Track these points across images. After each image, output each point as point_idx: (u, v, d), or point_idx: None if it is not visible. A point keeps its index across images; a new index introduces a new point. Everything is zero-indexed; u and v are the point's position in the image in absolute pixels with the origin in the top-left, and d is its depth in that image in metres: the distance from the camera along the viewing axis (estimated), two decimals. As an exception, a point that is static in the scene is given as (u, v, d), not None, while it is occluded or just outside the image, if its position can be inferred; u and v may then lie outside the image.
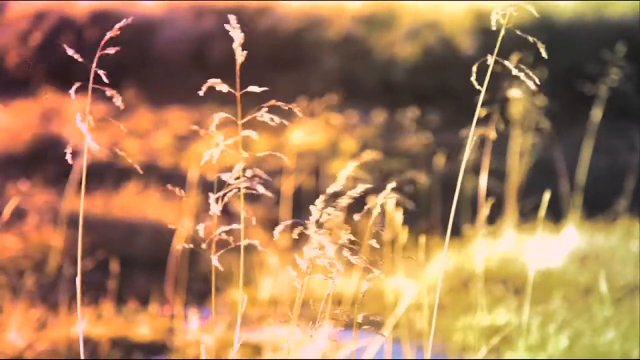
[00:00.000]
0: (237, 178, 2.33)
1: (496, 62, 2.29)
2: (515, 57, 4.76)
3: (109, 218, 7.08)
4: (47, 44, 11.22)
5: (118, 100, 2.26)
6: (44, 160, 8.10)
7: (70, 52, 2.26)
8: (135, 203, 7.47)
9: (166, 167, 8.78)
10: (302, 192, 7.74)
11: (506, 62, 2.30)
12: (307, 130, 9.27)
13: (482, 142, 6.28)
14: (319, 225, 2.25)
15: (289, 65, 11.49)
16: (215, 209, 2.33)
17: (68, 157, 2.22)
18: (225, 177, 2.33)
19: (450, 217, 2.32)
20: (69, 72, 9.62)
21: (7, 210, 5.18)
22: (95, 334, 5.06)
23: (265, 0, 12.15)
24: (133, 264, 6.27)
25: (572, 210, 7.06)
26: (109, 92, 2.25)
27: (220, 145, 2.29)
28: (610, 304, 4.97)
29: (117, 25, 2.26)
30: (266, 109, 2.27)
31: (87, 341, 5.00)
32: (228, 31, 2.27)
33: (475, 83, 2.27)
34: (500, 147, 6.60)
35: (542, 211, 4.16)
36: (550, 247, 6.18)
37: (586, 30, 11.28)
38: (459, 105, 8.68)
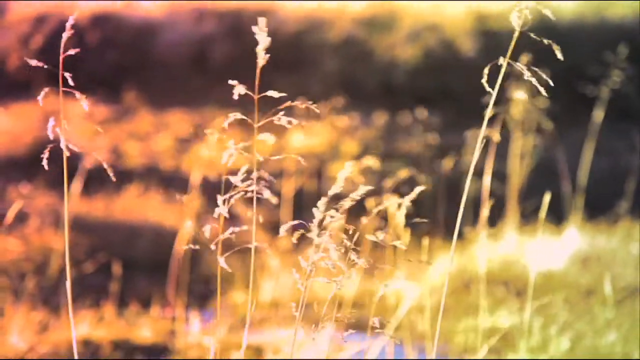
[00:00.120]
0: (244, 180, 2.33)
1: (507, 64, 2.29)
2: (523, 58, 4.77)
3: (111, 221, 7.08)
4: (48, 46, 11.22)
5: (85, 104, 2.27)
6: (45, 163, 8.06)
7: (33, 62, 2.27)
8: (136, 205, 7.47)
9: (167, 169, 8.78)
10: (303, 195, 7.74)
11: (518, 65, 2.29)
12: (308, 133, 9.27)
13: (484, 144, 6.28)
14: (322, 227, 2.25)
15: (289, 67, 11.49)
16: (223, 210, 2.32)
17: (44, 162, 2.23)
18: (233, 179, 2.33)
19: (457, 220, 2.32)
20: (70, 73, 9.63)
21: (11, 214, 5.18)
22: (97, 337, 5.06)
23: (266, 1, 12.15)
24: (135, 266, 6.28)
25: (573, 212, 7.06)
26: (77, 95, 2.25)
27: (231, 148, 2.29)
28: (611, 306, 4.97)
29: (68, 24, 2.27)
30: (283, 112, 2.27)
31: (89, 344, 5.00)
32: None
33: (486, 85, 2.26)
34: (502, 149, 6.60)
35: (543, 213, 4.15)
36: (551, 249, 6.18)
37: (587, 32, 11.28)
38: (460, 107, 8.68)
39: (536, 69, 2.31)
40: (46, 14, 11.84)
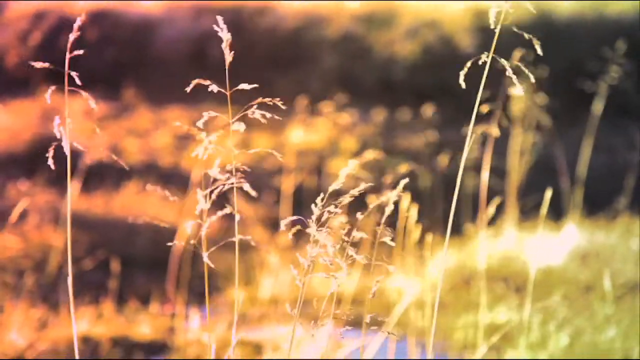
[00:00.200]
0: (227, 174, 2.34)
1: (495, 60, 2.29)
2: (517, 54, 4.76)
3: (110, 217, 7.08)
4: (47, 43, 11.22)
5: (93, 102, 2.27)
6: (45, 160, 8.07)
7: (38, 64, 2.28)
8: (135, 202, 7.47)
9: (166, 166, 8.77)
10: (303, 191, 7.74)
11: (502, 60, 2.29)
12: (308, 129, 9.27)
13: (483, 140, 6.28)
14: (321, 223, 2.25)
15: (288, 64, 11.49)
16: (204, 205, 2.34)
17: (50, 161, 2.24)
18: (212, 173, 2.35)
19: (450, 216, 2.32)
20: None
21: (15, 213, 5.18)
22: (96, 334, 5.06)
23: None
24: (134, 263, 6.28)
25: (572, 208, 7.06)
26: (84, 94, 2.26)
27: (205, 142, 2.30)
28: (611, 302, 4.97)
29: (76, 25, 2.28)
30: (256, 106, 2.29)
31: (88, 340, 5.00)
32: (227, 30, 2.28)
33: (462, 81, 2.27)
34: (501, 146, 6.60)
35: (544, 209, 4.15)
36: (550, 245, 6.18)
37: (586, 28, 11.28)
38: (459, 103, 8.68)
39: (521, 65, 2.31)
40: (45, 11, 11.83)
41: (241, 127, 2.30)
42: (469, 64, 2.27)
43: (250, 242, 2.41)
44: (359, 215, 2.27)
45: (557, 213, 6.95)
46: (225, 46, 2.27)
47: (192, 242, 2.41)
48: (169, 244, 2.61)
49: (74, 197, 6.33)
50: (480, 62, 2.28)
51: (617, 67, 6.79)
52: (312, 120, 9.59)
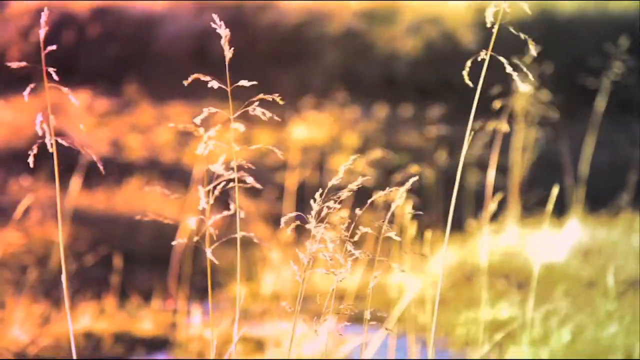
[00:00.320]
0: (229, 171, 2.34)
1: (497, 57, 2.29)
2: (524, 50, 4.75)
3: (112, 213, 7.08)
4: (48, 39, 11.20)
5: (74, 99, 2.27)
6: (46, 155, 8.08)
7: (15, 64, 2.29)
8: (137, 198, 7.47)
9: (168, 162, 8.78)
10: (306, 187, 7.74)
11: (501, 58, 2.29)
12: (310, 125, 9.26)
13: (488, 137, 6.27)
14: (321, 219, 2.25)
15: (291, 60, 11.48)
16: (205, 202, 2.34)
17: (30, 159, 2.24)
18: (213, 169, 2.35)
19: (450, 212, 2.32)
20: (71, 67, 9.62)
21: (20, 209, 5.18)
22: (98, 329, 5.07)
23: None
24: (136, 259, 6.28)
25: (574, 204, 7.05)
26: (65, 90, 2.26)
27: (204, 138, 2.31)
28: (613, 298, 4.97)
29: (43, 19, 2.29)
30: (257, 103, 2.29)
31: (90, 336, 5.00)
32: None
33: (467, 79, 2.27)
34: (504, 142, 6.60)
35: (550, 205, 4.15)
36: (553, 242, 6.18)
37: (588, 24, 11.27)
38: (461, 99, 8.67)
39: (519, 62, 2.31)
40: (47, 7, 11.81)
41: (240, 127, 2.31)
42: (469, 63, 2.27)
43: (253, 238, 2.41)
44: (357, 211, 2.27)
45: (560, 209, 6.95)
46: (224, 42, 2.27)
47: (195, 239, 2.41)
48: (173, 242, 2.60)
49: (75, 193, 6.33)
50: (484, 59, 2.28)
51: (620, 64, 6.78)
52: (315, 117, 9.58)
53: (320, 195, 2.26)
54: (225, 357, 2.53)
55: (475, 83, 2.31)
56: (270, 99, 2.28)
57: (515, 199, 6.93)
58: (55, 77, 2.25)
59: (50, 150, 2.29)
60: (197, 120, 2.28)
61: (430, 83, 10.89)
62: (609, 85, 6.87)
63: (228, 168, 2.38)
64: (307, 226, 2.25)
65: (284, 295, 5.70)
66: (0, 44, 11.51)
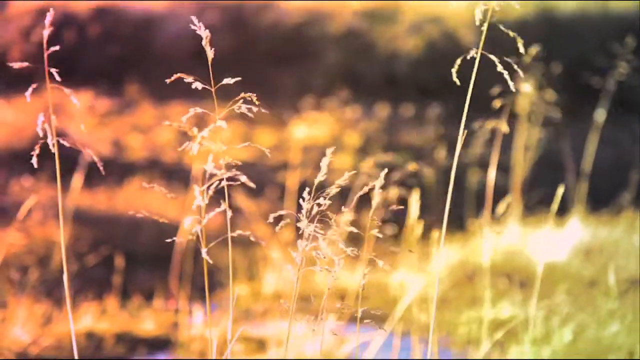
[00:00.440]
0: (223, 170, 2.35)
1: (502, 56, 2.29)
2: (532, 50, 4.74)
3: (113, 213, 7.08)
4: (50, 39, 11.20)
5: (76, 99, 2.28)
6: (47, 156, 8.08)
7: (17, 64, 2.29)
8: (139, 198, 7.47)
9: (169, 162, 8.78)
10: (307, 187, 7.74)
11: (492, 57, 2.30)
12: (311, 125, 9.26)
13: (490, 136, 6.27)
14: (312, 217, 2.26)
15: (291, 60, 11.48)
16: (201, 201, 2.35)
17: (34, 160, 2.24)
18: (207, 168, 2.36)
19: (445, 212, 2.32)
20: (72, 67, 9.62)
21: (23, 210, 5.18)
22: (100, 329, 5.07)
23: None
24: (137, 259, 6.28)
25: (576, 203, 7.05)
26: (67, 90, 2.26)
27: (198, 138, 2.32)
28: (614, 297, 4.97)
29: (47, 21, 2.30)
30: (241, 101, 2.31)
31: (92, 336, 5.00)
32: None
33: (454, 76, 2.28)
34: (506, 141, 6.59)
35: (555, 205, 4.14)
36: (554, 241, 6.17)
37: (591, 24, 11.26)
38: (463, 99, 8.67)
39: (509, 60, 2.32)
40: (49, 7, 11.82)
41: (223, 124, 2.33)
42: (458, 61, 2.28)
43: (250, 237, 2.41)
44: (344, 209, 2.28)
45: (561, 208, 6.94)
46: (205, 43, 2.31)
47: (190, 237, 2.41)
48: (170, 240, 2.61)
49: (76, 193, 6.33)
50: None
51: (624, 63, 6.76)
52: (316, 116, 9.58)
53: (309, 193, 2.27)
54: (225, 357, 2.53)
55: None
56: (252, 98, 2.29)
57: (517, 198, 6.93)
58: (57, 77, 2.26)
59: (52, 151, 2.29)
60: (184, 119, 2.30)
61: (431, 82, 10.88)
62: (613, 85, 6.86)
63: (223, 167, 2.38)
64: (299, 224, 2.25)
65: (285, 295, 5.70)
66: (1, 44, 11.51)
